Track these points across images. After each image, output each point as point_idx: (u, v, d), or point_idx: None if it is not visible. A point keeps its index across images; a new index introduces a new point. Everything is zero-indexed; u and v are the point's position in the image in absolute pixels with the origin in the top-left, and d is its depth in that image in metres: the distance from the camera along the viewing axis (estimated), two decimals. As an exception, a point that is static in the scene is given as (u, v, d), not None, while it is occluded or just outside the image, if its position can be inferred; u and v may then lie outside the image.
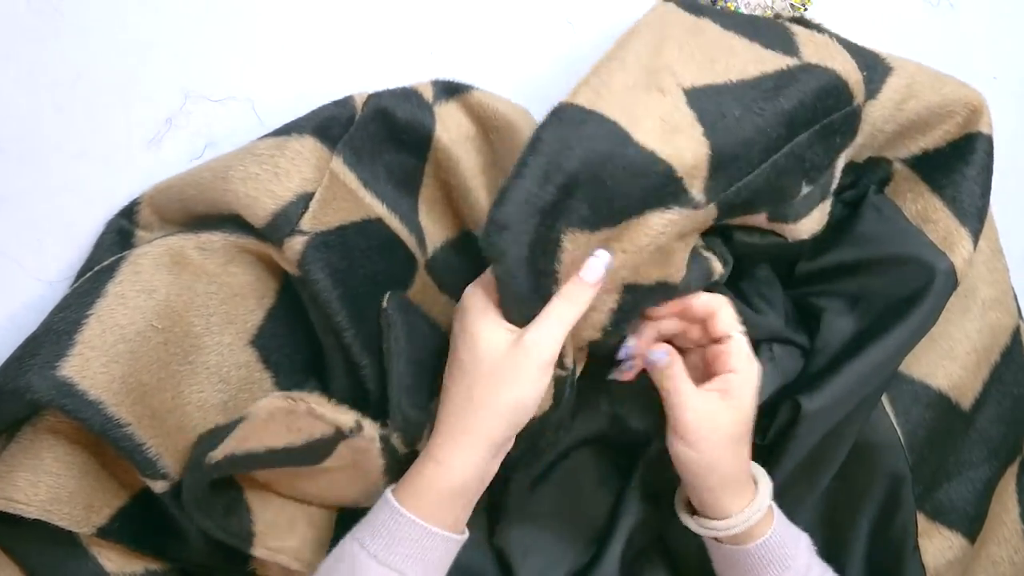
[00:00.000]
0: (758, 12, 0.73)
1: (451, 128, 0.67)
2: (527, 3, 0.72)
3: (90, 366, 0.57)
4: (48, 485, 0.58)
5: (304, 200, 0.62)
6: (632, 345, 0.63)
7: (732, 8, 0.73)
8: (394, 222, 0.66)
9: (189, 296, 0.62)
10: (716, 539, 0.63)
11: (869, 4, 0.78)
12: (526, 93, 0.73)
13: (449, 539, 0.57)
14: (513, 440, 0.59)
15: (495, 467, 0.59)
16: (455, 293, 0.64)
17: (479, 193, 0.67)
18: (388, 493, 0.58)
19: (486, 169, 0.67)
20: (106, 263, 0.62)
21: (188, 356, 0.62)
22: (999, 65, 0.81)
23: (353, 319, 0.63)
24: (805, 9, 0.74)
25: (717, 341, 0.62)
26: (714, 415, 0.60)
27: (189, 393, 0.62)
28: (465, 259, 0.69)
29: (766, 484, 0.63)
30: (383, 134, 0.66)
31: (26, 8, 0.63)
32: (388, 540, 0.56)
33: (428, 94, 0.67)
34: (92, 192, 0.66)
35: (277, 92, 0.68)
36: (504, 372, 0.56)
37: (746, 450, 0.62)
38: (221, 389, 0.63)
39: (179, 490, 0.60)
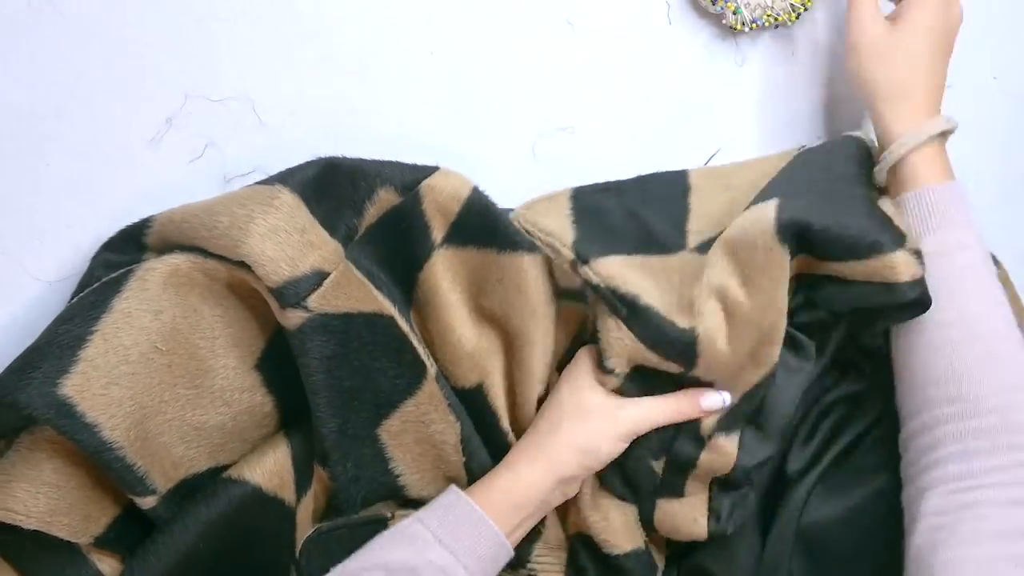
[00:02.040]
0: (758, 12, 0.73)
1: (439, 274, 0.66)
2: (527, 3, 0.72)
3: (91, 386, 0.57)
4: (47, 496, 0.58)
5: (318, 278, 0.61)
6: None
7: (732, 8, 0.73)
8: (404, 325, 0.65)
9: (195, 318, 0.62)
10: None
11: (869, 4, 0.78)
12: (526, 93, 0.73)
13: (502, 543, 0.62)
14: (578, 486, 0.67)
15: (556, 501, 0.66)
16: (460, 416, 0.66)
17: (451, 346, 0.67)
18: (455, 489, 0.63)
19: (465, 321, 0.67)
20: (113, 276, 0.62)
21: (195, 380, 0.62)
22: (999, 65, 0.81)
23: (331, 407, 0.63)
24: (805, 9, 0.74)
25: None
26: (887, 37, 0.66)
27: (192, 416, 0.62)
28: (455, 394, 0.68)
29: (943, 120, 0.66)
30: (383, 253, 0.67)
31: (26, 8, 0.63)
32: (453, 527, 0.61)
33: (439, 233, 0.66)
34: (92, 192, 0.66)
35: (277, 92, 0.68)
36: (590, 419, 0.64)
37: (934, 77, 0.67)
38: (223, 412, 0.63)
39: (167, 503, 0.60)
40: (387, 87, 0.70)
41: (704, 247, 0.67)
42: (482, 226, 0.66)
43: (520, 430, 0.68)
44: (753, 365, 0.64)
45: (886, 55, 0.67)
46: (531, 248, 0.66)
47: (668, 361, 0.65)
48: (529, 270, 0.66)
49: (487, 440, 0.68)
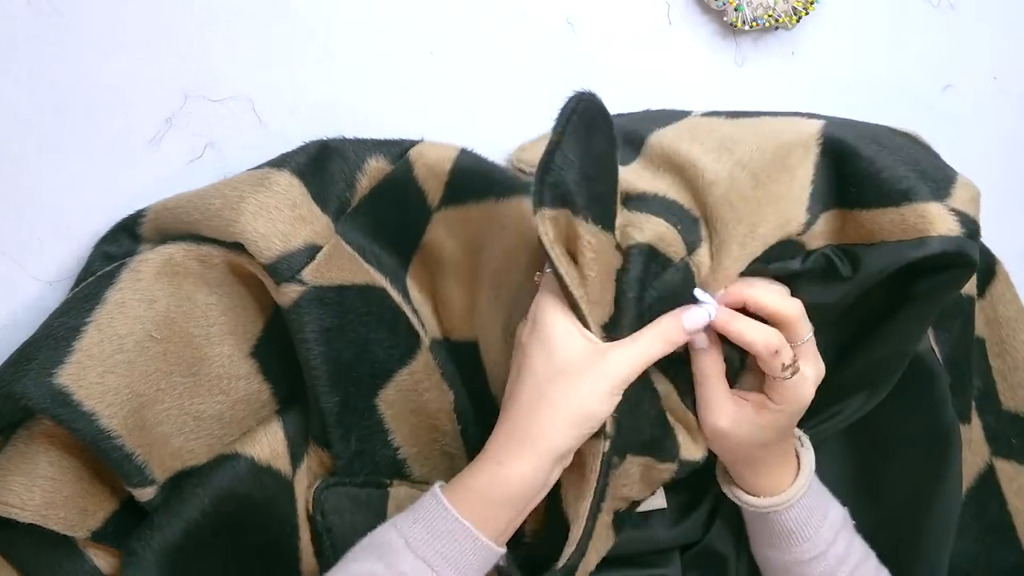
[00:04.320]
0: (759, 11, 0.73)
1: (442, 236, 0.67)
2: (527, 3, 0.72)
3: (86, 375, 0.57)
4: (43, 489, 0.58)
5: (311, 251, 0.61)
6: (704, 294, 0.59)
7: (734, 4, 0.73)
8: (396, 295, 0.65)
9: (189, 307, 0.62)
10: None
11: (869, 4, 0.79)
12: (526, 93, 0.73)
13: (488, 548, 0.54)
14: (572, 457, 0.57)
15: (553, 479, 0.56)
16: (454, 385, 0.66)
17: (456, 303, 0.67)
18: (436, 488, 0.56)
19: (470, 279, 0.67)
20: (107, 269, 0.62)
21: (191, 368, 0.62)
22: (999, 65, 0.81)
23: (331, 381, 0.62)
24: (807, 13, 0.74)
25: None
26: (747, 423, 0.60)
27: (189, 405, 0.62)
28: (449, 363, 0.67)
29: (808, 466, 0.64)
30: (377, 224, 0.67)
31: (26, 8, 0.63)
32: (427, 533, 0.54)
33: (435, 196, 0.67)
34: (92, 192, 0.66)
35: (277, 92, 0.68)
36: (580, 375, 0.54)
37: (785, 442, 0.63)
38: (220, 400, 0.63)
39: (164, 494, 0.60)
40: (387, 87, 0.70)
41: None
42: (476, 179, 0.66)
43: None
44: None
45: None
46: (530, 191, 0.65)
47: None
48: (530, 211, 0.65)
49: (474, 402, 0.67)
